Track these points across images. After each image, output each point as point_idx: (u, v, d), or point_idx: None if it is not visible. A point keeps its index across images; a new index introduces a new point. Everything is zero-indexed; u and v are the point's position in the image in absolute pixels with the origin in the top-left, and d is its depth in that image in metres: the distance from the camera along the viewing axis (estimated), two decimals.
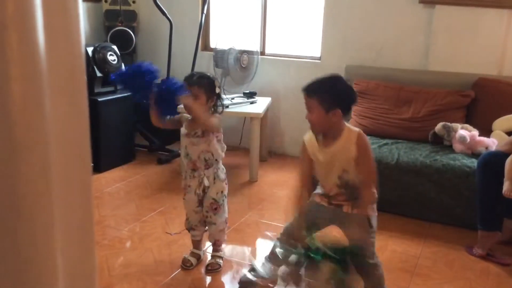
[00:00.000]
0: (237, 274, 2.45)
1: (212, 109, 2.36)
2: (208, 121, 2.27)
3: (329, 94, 1.94)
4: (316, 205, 2.15)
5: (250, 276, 2.24)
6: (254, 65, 4.14)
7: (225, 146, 2.42)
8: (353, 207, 2.03)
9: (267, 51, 4.38)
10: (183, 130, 2.40)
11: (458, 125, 3.24)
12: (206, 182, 2.35)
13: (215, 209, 2.39)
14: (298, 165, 2.21)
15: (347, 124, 2.03)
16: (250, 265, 2.41)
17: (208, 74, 2.42)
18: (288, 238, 2.12)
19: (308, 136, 2.10)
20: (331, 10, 4.04)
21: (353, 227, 2.03)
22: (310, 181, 2.14)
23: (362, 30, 3.95)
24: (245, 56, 4.04)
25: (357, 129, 2.01)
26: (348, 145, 1.96)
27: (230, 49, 3.95)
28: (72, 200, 0.93)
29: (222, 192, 2.40)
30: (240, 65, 4.03)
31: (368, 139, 2.03)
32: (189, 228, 2.50)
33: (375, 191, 2.05)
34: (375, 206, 2.08)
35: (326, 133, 2.02)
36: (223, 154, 2.41)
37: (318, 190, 2.16)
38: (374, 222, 2.07)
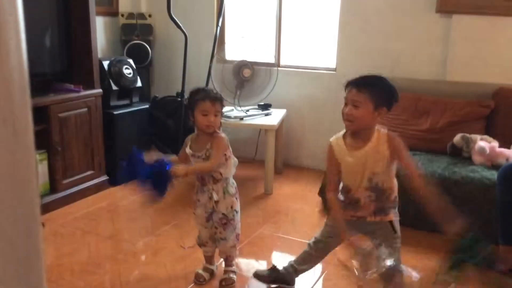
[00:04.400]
0: None
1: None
2: (216, 165, 2.24)
3: (382, 90, 1.93)
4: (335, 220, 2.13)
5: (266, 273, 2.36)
6: (262, 77, 4.13)
7: (237, 161, 2.38)
8: (376, 214, 2.02)
9: (282, 62, 4.36)
10: (188, 150, 2.32)
11: (478, 136, 3.16)
12: (215, 197, 2.31)
13: (225, 224, 2.35)
14: (327, 170, 2.18)
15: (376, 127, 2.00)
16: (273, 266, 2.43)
17: (206, 88, 2.47)
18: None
19: (335, 139, 2.06)
20: (346, 20, 4.01)
21: (377, 235, 2.02)
22: (338, 187, 2.11)
23: (378, 40, 3.91)
24: (246, 68, 4.04)
25: (385, 129, 1.99)
26: (379, 146, 1.95)
27: (233, 61, 3.98)
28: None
29: (232, 207, 2.35)
30: (241, 78, 4.04)
31: (398, 138, 2.01)
32: (201, 244, 2.48)
33: (397, 195, 2.04)
34: (397, 210, 2.07)
35: (358, 134, 1.98)
36: (234, 170, 2.36)
37: (340, 196, 2.11)
38: (397, 226, 2.05)
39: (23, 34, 0.70)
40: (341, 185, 2.12)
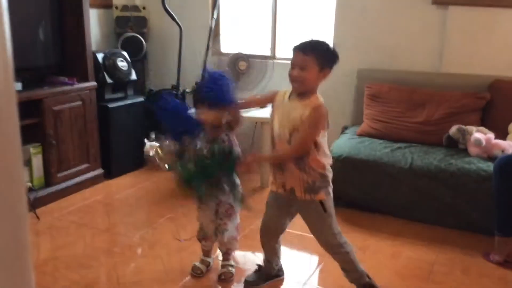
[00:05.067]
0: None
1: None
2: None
3: (326, 53, 2.05)
4: (273, 194, 2.26)
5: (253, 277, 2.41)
6: (258, 69, 4.11)
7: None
8: (305, 192, 2.10)
9: (277, 55, 4.34)
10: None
11: (473, 128, 3.17)
12: (226, 188, 2.29)
13: (230, 214, 2.36)
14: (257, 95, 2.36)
15: (319, 94, 2.09)
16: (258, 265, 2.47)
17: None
18: None
19: (284, 91, 2.17)
20: (342, 12, 3.99)
21: (310, 218, 2.18)
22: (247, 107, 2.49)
23: (374, 33, 3.90)
24: (241, 61, 4.03)
25: (322, 102, 2.06)
26: (307, 107, 2.03)
27: (228, 54, 3.96)
28: None
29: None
30: (237, 71, 4.02)
31: (323, 117, 2.05)
32: (200, 239, 2.46)
33: (325, 173, 2.10)
34: (330, 189, 2.13)
35: (302, 95, 2.07)
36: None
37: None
38: (328, 205, 2.13)
39: (7, 22, 0.66)
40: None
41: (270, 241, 2.38)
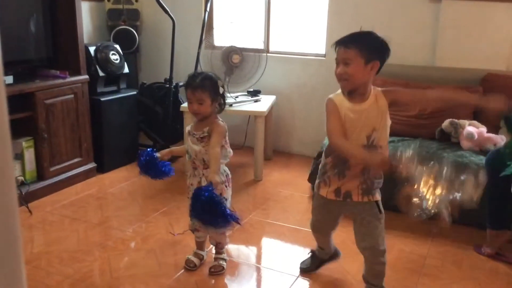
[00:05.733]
0: (240, 275, 2.43)
1: (218, 108, 2.32)
2: (218, 148, 2.24)
3: (370, 44, 1.90)
4: (322, 200, 2.13)
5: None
6: (251, 63, 4.10)
7: (231, 152, 2.34)
8: (363, 194, 2.01)
9: (271, 48, 4.33)
10: (188, 127, 2.37)
11: (466, 122, 3.18)
12: (204, 182, 2.30)
13: None
14: (329, 123, 1.96)
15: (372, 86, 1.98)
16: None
17: (211, 73, 2.36)
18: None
19: (335, 95, 1.99)
20: (335, 6, 3.98)
21: (364, 216, 2.04)
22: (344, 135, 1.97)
23: (368, 26, 3.86)
24: (235, 54, 4.01)
25: (378, 88, 1.98)
26: (378, 101, 1.93)
27: (222, 47, 3.95)
28: None
29: (221, 194, 2.29)
30: (230, 64, 4.01)
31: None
32: (193, 230, 2.47)
33: (382, 173, 2.02)
34: (379, 190, 2.07)
35: (355, 93, 1.94)
36: (224, 161, 2.33)
37: (327, 171, 2.07)
38: (381, 206, 2.07)
39: None
40: (325, 158, 2.08)
41: (322, 237, 2.35)
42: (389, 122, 2.01)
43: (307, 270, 2.44)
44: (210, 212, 2.01)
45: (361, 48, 1.87)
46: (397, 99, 2.01)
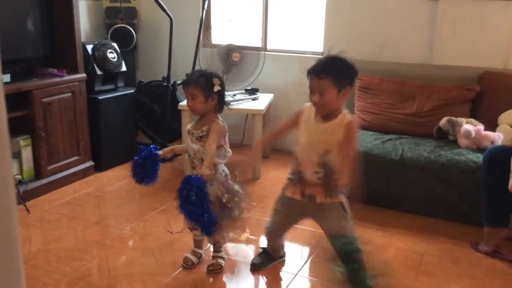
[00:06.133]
0: (239, 274, 2.43)
1: (217, 107, 2.31)
2: (215, 146, 2.23)
3: (341, 73, 1.98)
4: (287, 201, 2.19)
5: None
6: (250, 61, 4.10)
7: (230, 152, 2.34)
8: (326, 195, 2.06)
9: (269, 46, 4.33)
10: (188, 126, 2.37)
11: (463, 120, 3.19)
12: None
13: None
14: (281, 123, 2.28)
15: (345, 110, 2.06)
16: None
17: (210, 71, 2.36)
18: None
19: (309, 109, 2.11)
20: (333, 4, 3.98)
21: (331, 218, 2.10)
22: (277, 138, 2.33)
23: (365, 25, 3.90)
24: (235, 52, 4.01)
25: (351, 117, 2.03)
26: (338, 127, 2.00)
27: (220, 45, 3.94)
28: None
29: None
30: (230, 62, 4.01)
31: (357, 129, 2.06)
32: (191, 228, 2.46)
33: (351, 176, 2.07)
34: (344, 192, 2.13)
35: (327, 114, 2.03)
36: (225, 159, 2.33)
37: (291, 176, 2.16)
38: (347, 206, 2.12)
39: None
40: (293, 159, 2.16)
41: (275, 240, 2.42)
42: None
43: (260, 266, 2.46)
44: (196, 204, 2.02)
45: (333, 79, 1.95)
46: (345, 140, 2.01)
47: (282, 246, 2.50)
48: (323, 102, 1.98)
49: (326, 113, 2.03)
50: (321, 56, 2.06)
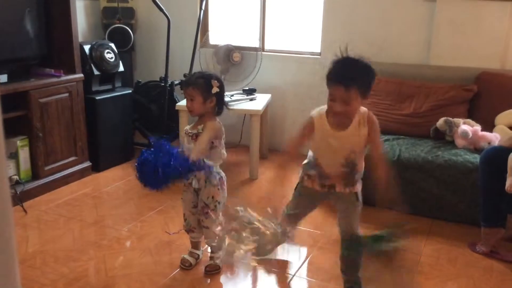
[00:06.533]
0: (236, 274, 2.43)
1: (215, 109, 2.31)
2: (202, 146, 2.19)
3: (367, 81, 1.90)
4: (306, 191, 2.19)
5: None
6: (249, 61, 4.10)
7: (225, 154, 2.33)
8: (345, 185, 2.09)
9: (266, 47, 4.33)
10: (187, 126, 2.37)
11: (460, 120, 3.19)
12: (194, 184, 2.30)
13: (206, 213, 2.33)
14: (296, 135, 2.17)
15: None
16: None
17: (209, 73, 2.36)
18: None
19: (318, 116, 2.02)
20: (331, 4, 3.99)
21: (344, 210, 2.13)
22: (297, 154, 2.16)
23: (363, 25, 3.91)
24: (236, 52, 4.01)
25: (364, 108, 2.00)
26: (360, 127, 1.97)
27: (220, 45, 3.94)
28: None
29: (213, 197, 2.30)
30: (231, 62, 4.01)
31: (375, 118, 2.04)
32: (188, 230, 2.46)
33: (363, 164, 2.10)
34: (361, 180, 2.14)
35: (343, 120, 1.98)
36: (217, 162, 2.31)
37: (311, 171, 2.14)
38: (360, 195, 2.15)
39: None
40: (311, 156, 2.14)
41: (293, 225, 2.38)
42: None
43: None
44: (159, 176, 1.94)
45: (360, 88, 1.86)
46: (373, 134, 2.02)
47: (293, 231, 2.45)
48: (347, 112, 1.89)
49: (345, 121, 1.97)
50: (339, 58, 1.91)
